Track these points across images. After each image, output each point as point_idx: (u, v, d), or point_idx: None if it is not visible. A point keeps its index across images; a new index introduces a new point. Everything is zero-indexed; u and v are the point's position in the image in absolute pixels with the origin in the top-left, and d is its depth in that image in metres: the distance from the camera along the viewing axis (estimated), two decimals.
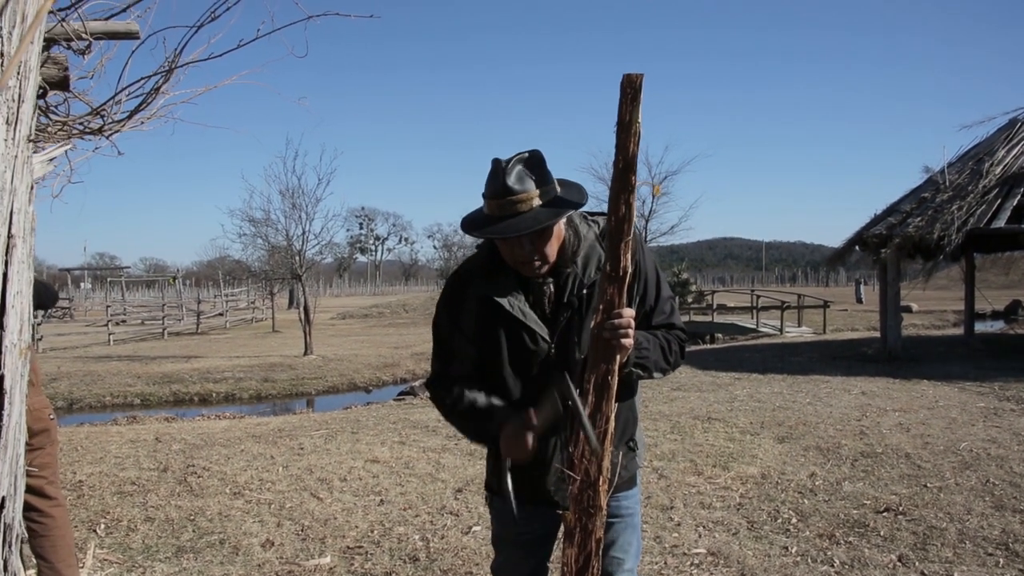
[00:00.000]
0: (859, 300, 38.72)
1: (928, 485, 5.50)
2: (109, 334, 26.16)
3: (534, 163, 2.03)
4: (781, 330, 22.29)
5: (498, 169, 2.01)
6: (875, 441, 6.88)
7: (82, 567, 4.12)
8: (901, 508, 5.00)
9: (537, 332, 2.14)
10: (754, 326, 23.43)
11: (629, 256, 1.85)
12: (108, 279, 51.97)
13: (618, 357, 1.91)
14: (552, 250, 2.08)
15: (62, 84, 2.95)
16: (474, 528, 4.86)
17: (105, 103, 3.92)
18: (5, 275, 1.44)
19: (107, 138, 4.04)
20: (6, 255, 1.44)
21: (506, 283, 2.16)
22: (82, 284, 57.25)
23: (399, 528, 4.89)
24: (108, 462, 6.87)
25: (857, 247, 14.97)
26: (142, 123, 4.06)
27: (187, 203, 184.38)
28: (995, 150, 14.07)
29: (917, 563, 4.14)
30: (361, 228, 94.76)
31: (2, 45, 1.38)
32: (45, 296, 3.80)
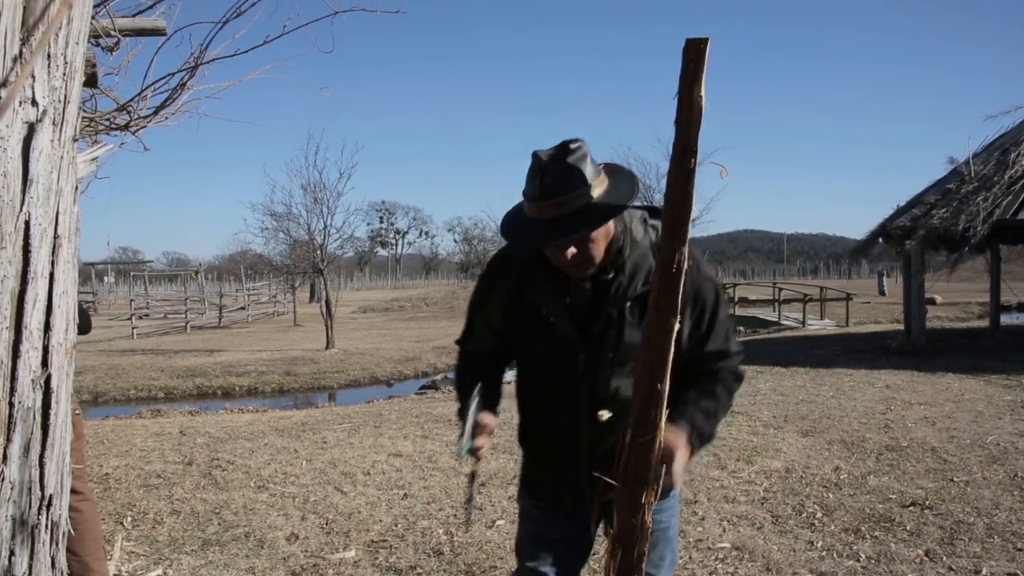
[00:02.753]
0: (882, 292, 38.33)
1: (955, 479, 5.45)
2: (132, 328, 26.41)
3: (577, 157, 1.81)
4: (803, 323, 22.13)
5: (537, 166, 1.81)
6: (900, 435, 6.83)
7: (110, 559, 4.16)
8: (928, 502, 4.96)
9: (567, 337, 1.99)
10: (776, 319, 23.32)
11: (684, 267, 1.60)
12: (131, 273, 52.58)
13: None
14: (599, 250, 1.90)
15: (90, 81, 2.98)
16: (498, 522, 4.87)
17: (132, 99, 3.94)
18: (52, 275, 1.46)
19: (133, 134, 4.07)
20: (52, 255, 1.46)
21: (544, 279, 2.00)
22: (105, 278, 57.75)
23: (423, 522, 4.91)
24: (134, 455, 6.94)
25: (880, 239, 14.84)
26: (167, 118, 4.09)
27: (209, 197, 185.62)
28: (1021, 140, 13.87)
29: (945, 558, 4.10)
30: (382, 222, 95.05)
31: (49, 47, 1.40)
32: (80, 320, 3.84)
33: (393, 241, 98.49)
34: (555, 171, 1.79)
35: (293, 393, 15.48)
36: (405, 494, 5.52)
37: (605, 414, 1.99)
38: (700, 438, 1.89)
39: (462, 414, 2.04)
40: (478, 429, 2.02)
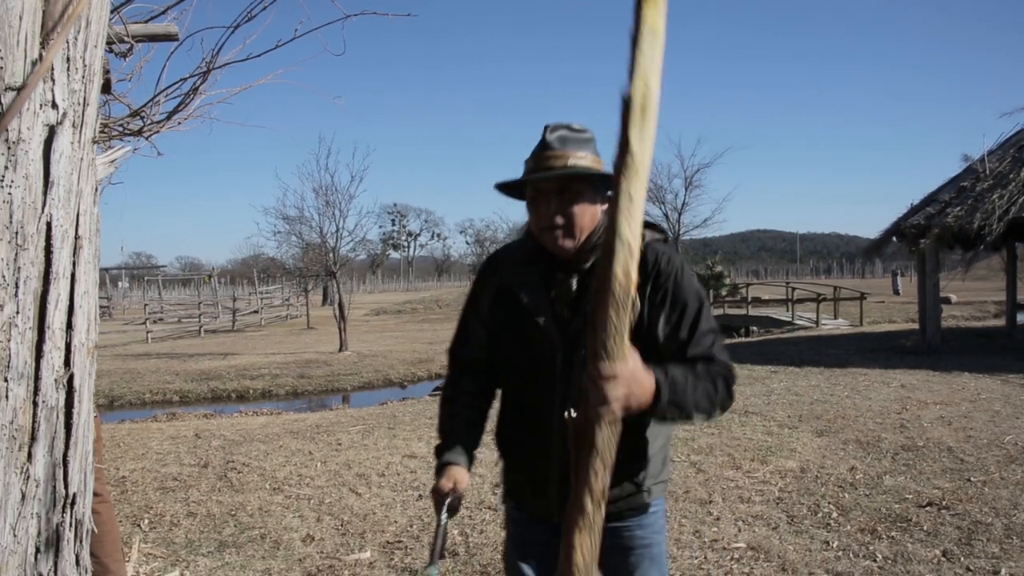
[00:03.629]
0: (896, 292, 38.13)
1: (972, 479, 5.41)
2: (147, 332, 26.57)
3: (583, 135, 1.92)
4: (817, 322, 22.00)
5: (547, 127, 1.92)
6: (916, 434, 6.79)
7: (128, 561, 4.19)
8: (944, 502, 4.93)
9: (549, 333, 1.97)
10: (789, 319, 23.20)
11: (637, 256, 1.48)
12: (145, 278, 52.85)
13: (612, 409, 1.58)
14: (581, 222, 1.89)
15: (104, 87, 2.99)
16: None
17: (144, 105, 3.96)
18: (73, 275, 1.47)
19: (147, 139, 4.09)
20: (74, 256, 1.47)
21: (531, 275, 2.02)
22: (120, 283, 58.18)
23: None
24: (150, 458, 6.99)
25: (894, 238, 14.74)
26: (179, 123, 4.11)
27: (222, 202, 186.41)
28: None
29: (962, 558, 4.07)
30: (394, 224, 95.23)
31: (68, 50, 1.41)
32: None
33: (405, 243, 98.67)
34: (564, 132, 1.90)
35: (307, 395, 15.52)
36: (420, 495, 5.52)
37: (574, 412, 1.94)
38: (672, 389, 1.73)
39: (437, 508, 2.03)
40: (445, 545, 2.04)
